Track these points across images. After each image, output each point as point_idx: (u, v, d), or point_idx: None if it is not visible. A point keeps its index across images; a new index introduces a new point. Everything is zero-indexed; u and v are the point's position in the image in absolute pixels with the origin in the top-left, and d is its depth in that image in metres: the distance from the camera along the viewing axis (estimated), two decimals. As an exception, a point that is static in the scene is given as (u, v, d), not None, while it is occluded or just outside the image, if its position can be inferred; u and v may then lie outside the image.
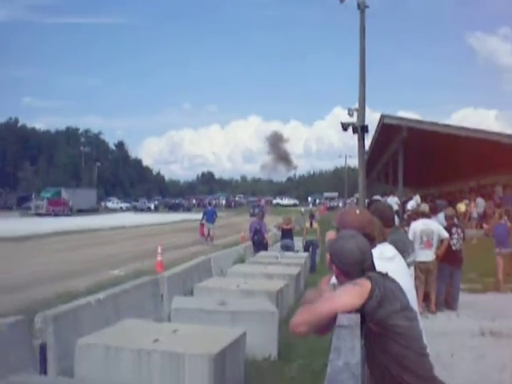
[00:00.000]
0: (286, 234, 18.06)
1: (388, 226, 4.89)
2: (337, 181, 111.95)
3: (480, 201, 25.96)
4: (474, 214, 24.45)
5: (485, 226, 17.12)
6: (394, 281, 2.93)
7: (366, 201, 21.97)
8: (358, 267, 2.94)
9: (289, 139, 28.34)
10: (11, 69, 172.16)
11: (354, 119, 20.82)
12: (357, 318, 2.65)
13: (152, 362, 5.25)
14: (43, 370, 6.01)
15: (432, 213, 11.40)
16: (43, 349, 6.09)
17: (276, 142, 22.75)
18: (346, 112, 21.31)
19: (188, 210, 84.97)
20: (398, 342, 2.76)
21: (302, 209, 29.52)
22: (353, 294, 2.76)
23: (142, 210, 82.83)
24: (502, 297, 11.75)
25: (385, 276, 2.92)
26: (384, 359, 2.79)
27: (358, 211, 3.61)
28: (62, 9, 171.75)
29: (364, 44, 19.92)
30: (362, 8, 19.67)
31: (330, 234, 4.01)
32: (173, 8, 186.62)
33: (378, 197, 22.20)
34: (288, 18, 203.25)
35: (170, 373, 5.18)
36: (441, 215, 12.53)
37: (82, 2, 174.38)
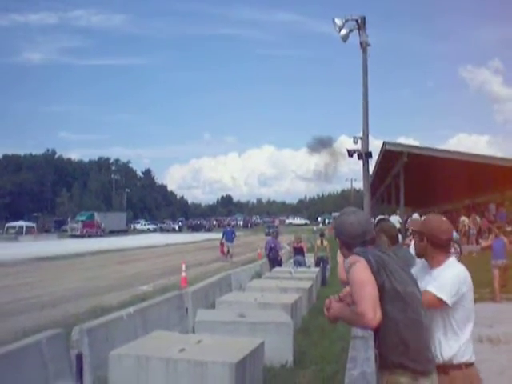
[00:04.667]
0: (298, 251, 18.01)
1: (393, 243, 4.88)
2: (344, 202, 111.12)
3: (476, 218, 25.77)
4: (473, 231, 24.19)
5: (481, 241, 16.87)
6: (380, 250, 2.88)
7: (372, 220, 21.76)
8: (358, 240, 2.91)
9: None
10: (48, 106, 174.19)
11: (359, 146, 20.70)
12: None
13: (179, 369, 5.21)
14: (79, 379, 5.98)
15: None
16: (79, 359, 6.06)
17: (327, 143, 21.18)
18: (352, 140, 21.23)
19: (209, 230, 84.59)
20: (395, 305, 2.69)
21: (314, 227, 29.37)
22: (363, 280, 2.67)
23: (167, 231, 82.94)
24: (497, 306, 11.57)
25: (371, 248, 2.88)
26: (384, 324, 2.67)
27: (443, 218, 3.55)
28: (90, 51, 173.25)
29: (366, 79, 19.77)
30: (364, 47, 19.61)
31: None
32: (192, 51, 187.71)
33: (382, 216, 22.07)
34: (299, 55, 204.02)
35: (195, 379, 5.13)
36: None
37: (105, 45, 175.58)
